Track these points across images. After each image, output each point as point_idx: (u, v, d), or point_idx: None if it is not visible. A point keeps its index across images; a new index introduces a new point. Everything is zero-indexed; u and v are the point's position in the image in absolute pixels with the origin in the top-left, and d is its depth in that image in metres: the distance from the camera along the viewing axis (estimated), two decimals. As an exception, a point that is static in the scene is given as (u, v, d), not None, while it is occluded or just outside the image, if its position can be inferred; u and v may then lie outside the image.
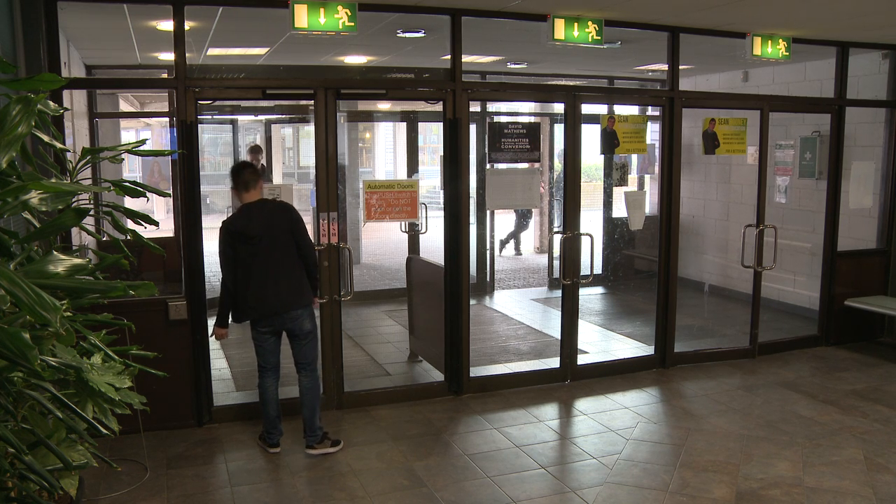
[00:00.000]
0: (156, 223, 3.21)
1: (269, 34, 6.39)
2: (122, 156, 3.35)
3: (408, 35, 6.39)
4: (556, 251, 7.15)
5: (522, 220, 12.91)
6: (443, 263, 5.76)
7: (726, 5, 5.29)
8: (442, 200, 5.92)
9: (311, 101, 5.35)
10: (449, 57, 5.59)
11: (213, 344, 6.75)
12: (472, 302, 6.37)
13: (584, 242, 6.06)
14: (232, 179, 4.60)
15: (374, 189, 5.79)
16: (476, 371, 6.04)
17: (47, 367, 2.27)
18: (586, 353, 6.75)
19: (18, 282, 1.83)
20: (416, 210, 5.78)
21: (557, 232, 6.15)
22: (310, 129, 14.15)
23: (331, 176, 5.33)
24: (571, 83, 8.45)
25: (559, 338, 6.22)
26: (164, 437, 4.95)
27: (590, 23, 5.61)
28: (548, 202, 11.96)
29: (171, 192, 8.12)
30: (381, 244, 13.35)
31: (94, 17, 5.65)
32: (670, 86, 6.31)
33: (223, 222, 4.60)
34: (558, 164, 10.48)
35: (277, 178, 20.88)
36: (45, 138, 2.78)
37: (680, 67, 6.34)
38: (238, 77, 7.99)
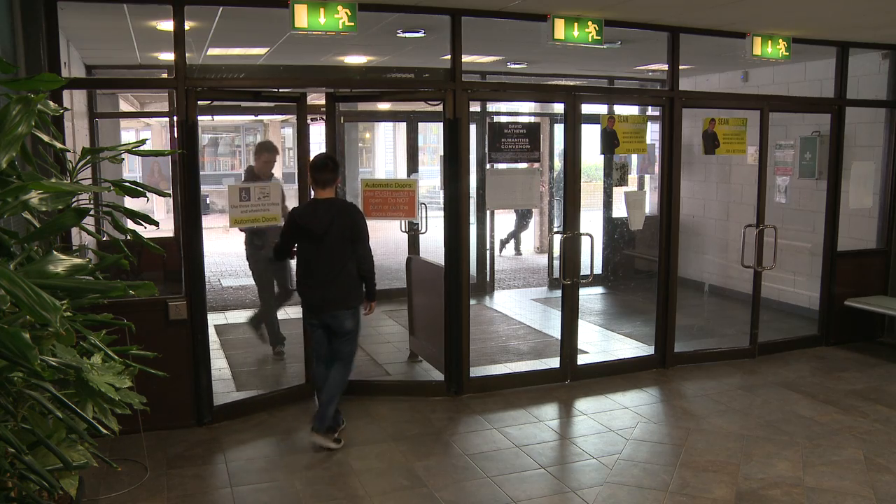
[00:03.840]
0: (156, 223, 3.20)
1: (269, 34, 6.39)
2: (122, 156, 3.34)
3: (408, 35, 6.39)
4: (556, 251, 7.15)
5: (522, 220, 12.91)
6: (443, 263, 5.76)
7: (726, 5, 5.29)
8: (442, 200, 5.92)
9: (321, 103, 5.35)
10: (449, 57, 5.59)
11: (214, 344, 6.77)
12: (472, 302, 6.37)
13: (584, 242, 6.06)
14: (312, 172, 4.78)
15: (372, 188, 5.82)
16: (476, 371, 6.04)
17: (47, 367, 2.27)
18: (586, 353, 6.75)
19: (18, 282, 1.83)
20: (414, 209, 5.80)
21: (557, 232, 6.15)
22: (313, 128, 14.12)
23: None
24: (571, 83, 8.45)
25: (559, 338, 6.21)
26: (164, 437, 4.94)
27: (590, 23, 5.61)
28: (548, 202, 11.96)
29: (170, 192, 8.13)
30: (380, 244, 13.34)
31: (94, 17, 5.65)
32: (670, 86, 6.31)
33: (292, 210, 4.91)
34: (558, 164, 10.49)
35: (277, 178, 20.92)
36: (45, 138, 2.78)
37: (680, 67, 6.33)
38: (238, 77, 8.00)
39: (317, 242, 4.70)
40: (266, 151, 6.57)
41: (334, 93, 5.81)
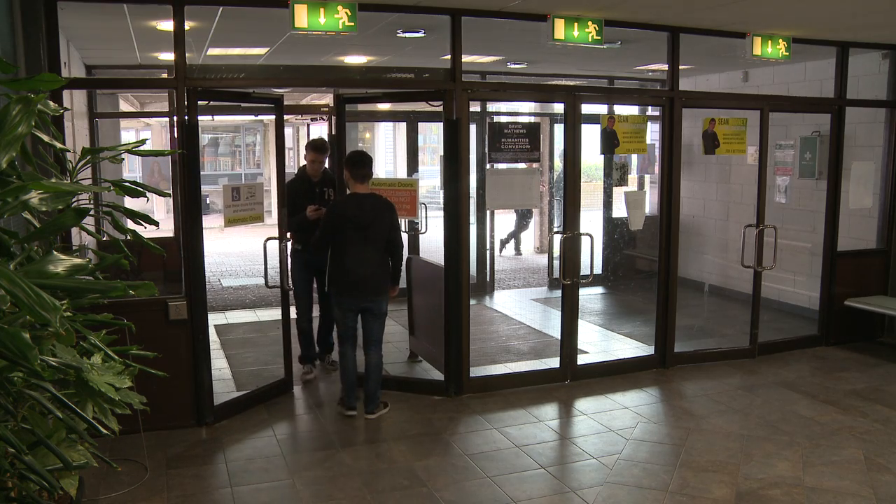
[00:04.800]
0: (156, 223, 3.20)
1: (269, 34, 6.40)
2: (122, 156, 3.34)
3: (408, 35, 6.39)
4: (556, 251, 7.15)
5: (522, 220, 12.91)
6: (443, 263, 5.77)
7: (726, 5, 5.29)
8: (442, 200, 5.92)
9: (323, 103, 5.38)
10: (449, 57, 5.59)
11: (214, 344, 6.76)
12: (472, 302, 6.37)
13: (584, 242, 6.06)
14: (350, 168, 5.17)
15: (377, 187, 5.89)
16: (476, 371, 6.04)
17: (47, 367, 2.27)
18: (586, 353, 6.75)
19: (18, 282, 1.83)
20: (415, 209, 5.86)
21: (557, 232, 6.15)
22: (313, 128, 14.10)
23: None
24: (571, 83, 8.46)
25: (559, 338, 6.21)
26: (164, 437, 4.94)
27: (590, 23, 5.61)
28: (548, 202, 11.96)
29: (171, 192, 8.13)
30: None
31: (94, 17, 5.65)
32: (670, 86, 6.31)
33: (334, 203, 5.36)
34: (558, 164, 10.49)
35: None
36: (45, 138, 2.78)
37: (680, 67, 6.33)
38: (239, 77, 8.00)
39: (361, 233, 5.09)
40: (312, 150, 6.13)
41: (342, 94, 5.96)
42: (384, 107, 11.86)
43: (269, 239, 5.62)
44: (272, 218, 5.76)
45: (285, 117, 6.56)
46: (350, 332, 5.33)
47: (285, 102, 5.84)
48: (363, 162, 5.22)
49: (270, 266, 5.78)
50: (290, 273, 5.92)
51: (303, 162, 6.27)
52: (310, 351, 6.24)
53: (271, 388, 5.73)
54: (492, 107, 9.89)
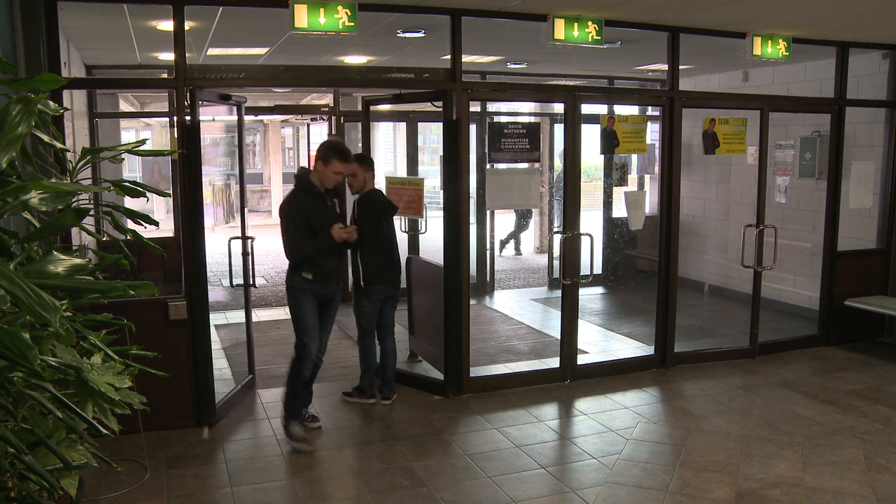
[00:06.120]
0: (156, 223, 3.20)
1: (269, 34, 6.40)
2: (122, 156, 3.34)
3: (408, 35, 6.39)
4: (556, 251, 7.15)
5: (522, 220, 12.91)
6: (443, 263, 5.77)
7: (726, 5, 5.29)
8: (442, 200, 5.93)
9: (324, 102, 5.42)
10: (449, 57, 5.59)
11: (214, 344, 6.75)
12: (472, 302, 6.37)
13: (584, 242, 6.06)
14: (369, 167, 5.45)
15: (393, 185, 6.10)
16: (476, 371, 6.04)
17: (47, 367, 2.27)
18: (586, 353, 6.75)
19: (18, 282, 1.83)
20: (421, 208, 5.96)
21: (557, 232, 6.15)
22: (313, 128, 14.08)
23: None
24: (571, 83, 8.46)
25: (559, 338, 6.21)
26: (164, 437, 4.94)
27: (590, 23, 5.61)
28: (548, 202, 11.96)
29: (170, 192, 8.13)
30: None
31: (94, 17, 5.65)
32: (670, 86, 6.31)
33: (363, 200, 5.45)
34: (558, 164, 10.49)
35: (277, 179, 20.90)
36: (45, 138, 2.78)
37: (680, 67, 6.33)
38: (239, 77, 8.00)
39: (387, 224, 5.46)
40: (360, 163, 5.22)
41: (367, 98, 6.28)
42: (384, 107, 11.84)
43: (232, 238, 5.55)
44: (273, 217, 5.79)
45: (285, 117, 6.62)
46: (374, 325, 5.58)
47: (284, 103, 5.87)
48: (372, 162, 5.65)
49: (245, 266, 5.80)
50: (297, 310, 4.91)
51: (302, 163, 6.27)
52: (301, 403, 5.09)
53: (243, 389, 5.80)
54: (492, 107, 9.88)
